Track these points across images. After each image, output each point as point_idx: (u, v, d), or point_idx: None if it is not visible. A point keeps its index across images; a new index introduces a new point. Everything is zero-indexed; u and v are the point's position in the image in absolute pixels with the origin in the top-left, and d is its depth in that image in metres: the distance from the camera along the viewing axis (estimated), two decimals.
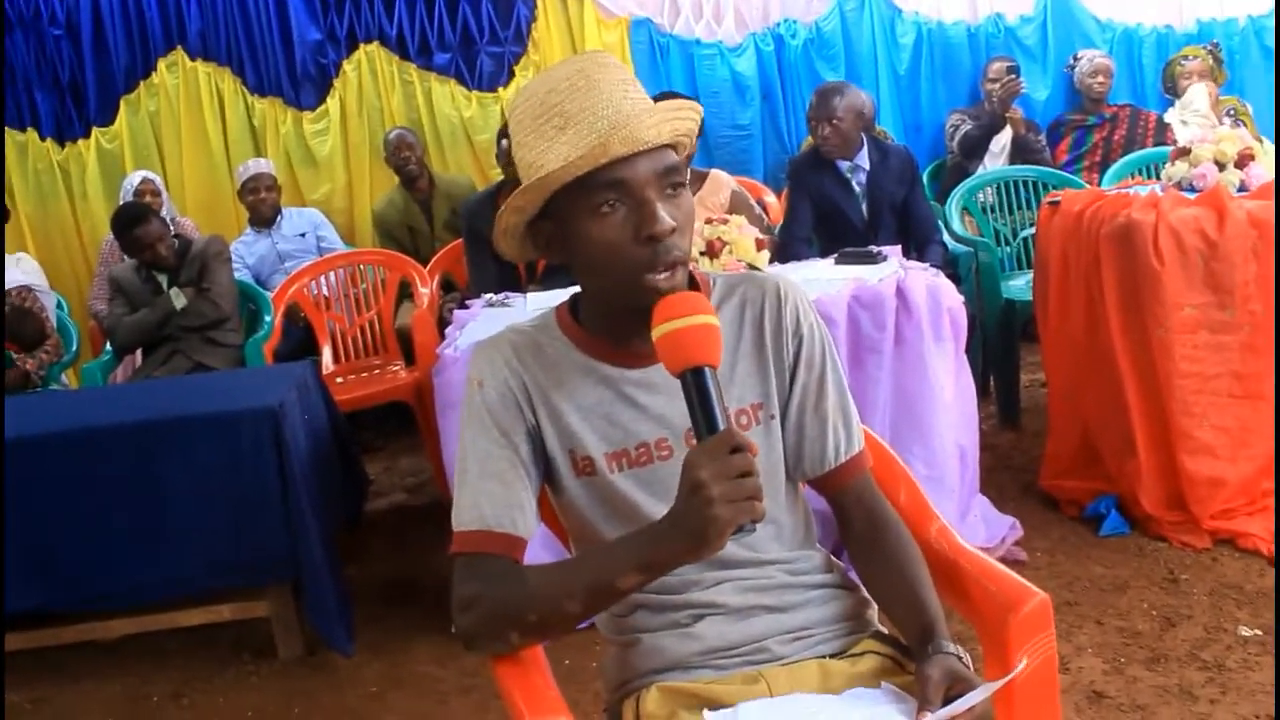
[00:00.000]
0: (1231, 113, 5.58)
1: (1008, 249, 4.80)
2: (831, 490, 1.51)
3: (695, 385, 1.22)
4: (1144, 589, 2.97)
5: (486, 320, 3.38)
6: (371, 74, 5.82)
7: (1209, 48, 5.83)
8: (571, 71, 1.29)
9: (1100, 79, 5.57)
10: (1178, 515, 3.20)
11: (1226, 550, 3.12)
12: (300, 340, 4.86)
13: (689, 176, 1.76)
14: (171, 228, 4.59)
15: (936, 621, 1.40)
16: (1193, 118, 5.50)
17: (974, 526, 3.25)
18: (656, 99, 1.35)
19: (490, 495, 1.39)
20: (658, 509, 1.37)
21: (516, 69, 5.86)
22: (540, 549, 1.82)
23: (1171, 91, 5.85)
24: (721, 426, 1.21)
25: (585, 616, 1.37)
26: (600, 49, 5.43)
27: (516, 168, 1.35)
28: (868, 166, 4.22)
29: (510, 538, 1.39)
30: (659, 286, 1.29)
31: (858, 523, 1.50)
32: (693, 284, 1.43)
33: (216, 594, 3.14)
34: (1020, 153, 5.31)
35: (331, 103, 5.84)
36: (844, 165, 4.22)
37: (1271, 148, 3.43)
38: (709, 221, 3.36)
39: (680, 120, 1.31)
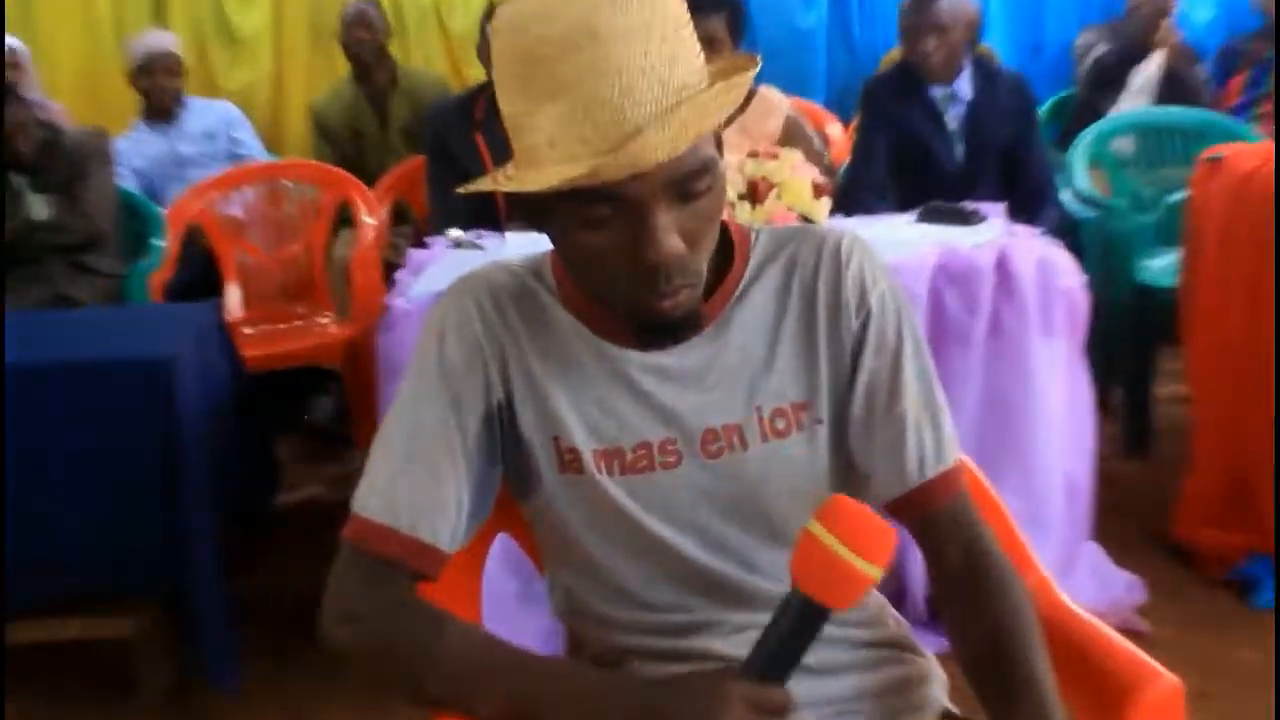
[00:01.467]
0: None
1: (1147, 217, 4.66)
2: (916, 516, 1.51)
3: (803, 621, 1.28)
4: None
5: (451, 264, 3.38)
6: None
7: None
8: (572, 19, 1.24)
9: None
10: None
11: None
12: (199, 275, 4.80)
13: None
14: (36, 114, 4.51)
15: (1049, 705, 1.38)
16: None
17: (1080, 582, 3.26)
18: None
19: (411, 484, 1.42)
20: (656, 525, 1.45)
21: None
22: (496, 566, 1.87)
23: None
24: (787, 676, 1.29)
25: None
26: None
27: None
28: (969, 96, 4.18)
29: (423, 547, 1.42)
30: (660, 310, 1.34)
31: (951, 559, 1.49)
32: (726, 239, 1.46)
33: (60, 603, 3.09)
34: (1173, 90, 5.27)
35: None
36: (938, 92, 4.17)
37: None
38: (753, 155, 3.35)
39: (712, 114, 1.30)
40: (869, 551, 1.25)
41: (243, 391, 3.58)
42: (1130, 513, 3.86)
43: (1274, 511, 3.19)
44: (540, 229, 1.39)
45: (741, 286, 1.49)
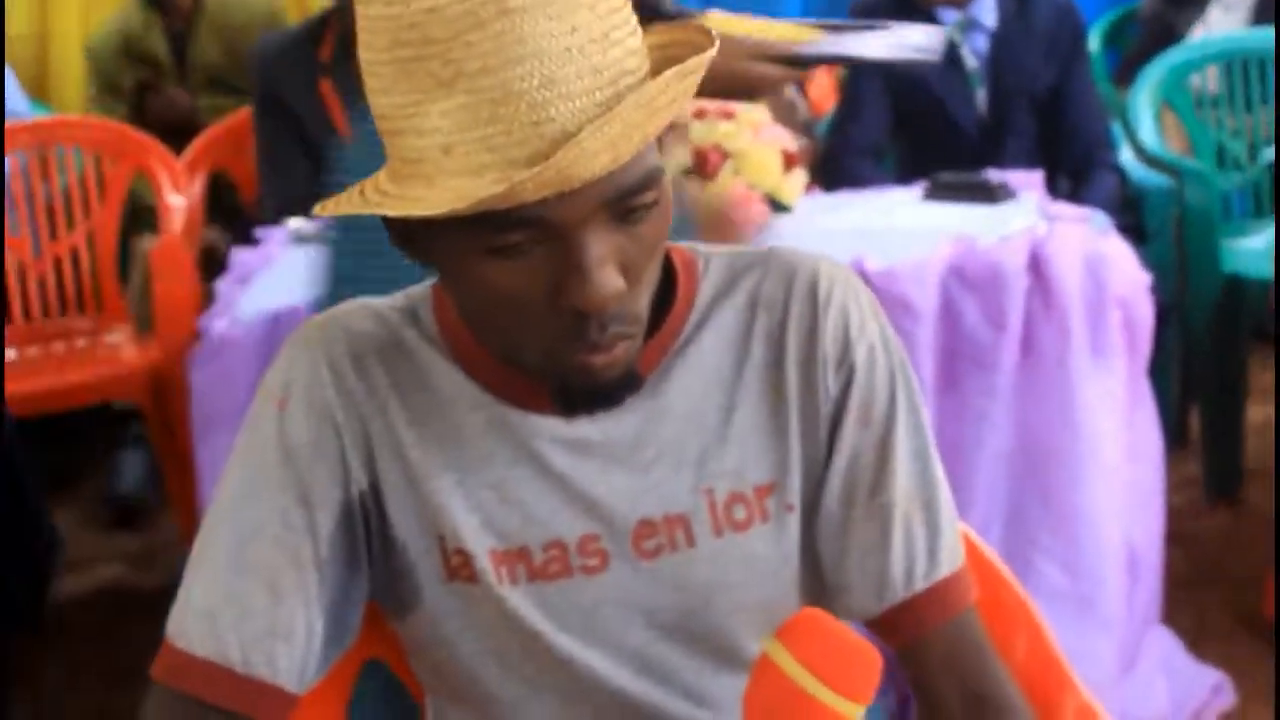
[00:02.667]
0: None
1: (1237, 176, 4.20)
2: (902, 640, 1.37)
3: None
4: None
5: (292, 269, 2.92)
6: None
7: None
8: None
9: None
10: None
11: None
12: None
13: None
14: None
15: None
16: None
17: (1147, 683, 2.96)
18: None
19: (243, 604, 1.26)
20: (576, 648, 1.32)
21: None
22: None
23: None
24: None
25: None
26: None
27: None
28: (992, 24, 3.74)
29: (260, 687, 1.25)
30: (589, 368, 1.22)
31: (945, 703, 1.36)
32: (665, 268, 1.32)
33: None
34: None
35: None
36: (950, 16, 3.72)
37: None
38: (700, 115, 3.02)
39: (669, 107, 1.15)
40: (846, 684, 1.26)
41: (3, 442, 3.21)
42: (1214, 583, 3.49)
43: (1275, 517, 3.10)
44: (422, 259, 1.25)
45: (686, 332, 1.34)
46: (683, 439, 1.33)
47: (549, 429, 1.31)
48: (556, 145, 1.09)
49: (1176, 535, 3.13)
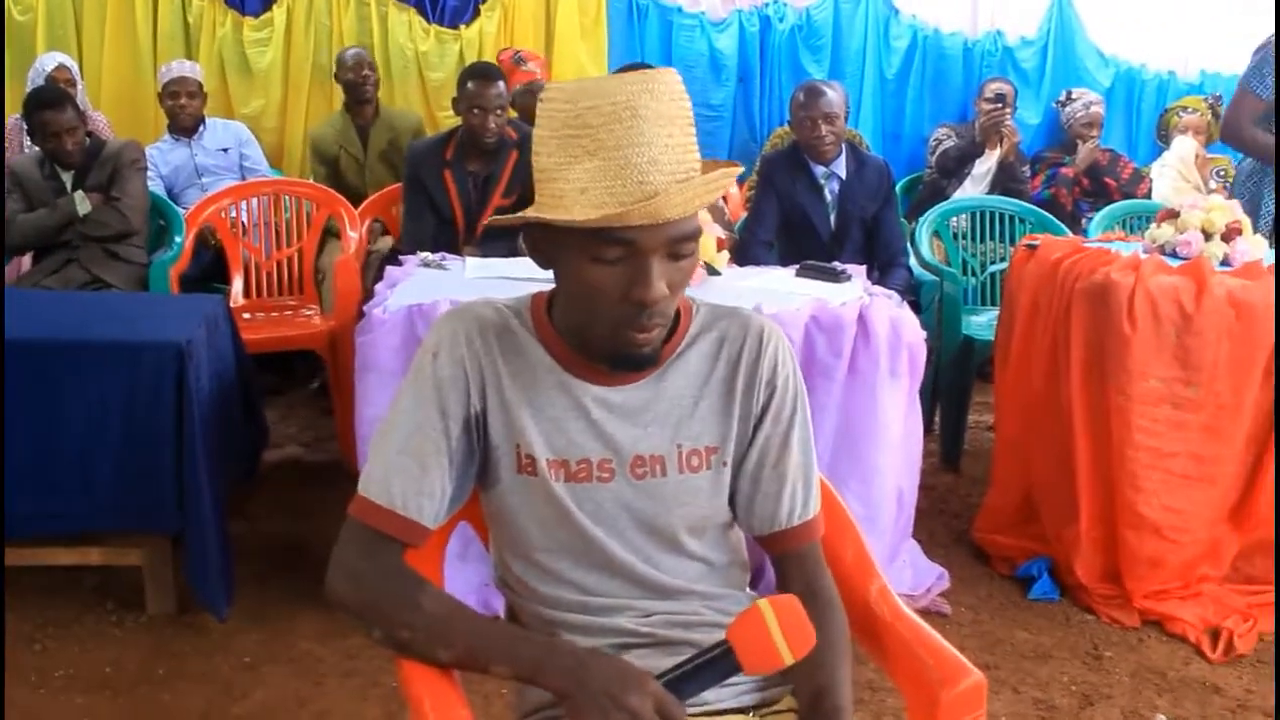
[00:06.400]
0: (1220, 174, 5.62)
1: (974, 280, 4.80)
2: (776, 551, 1.55)
3: (719, 668, 1.33)
4: (1066, 661, 3.02)
5: (421, 282, 3.35)
6: None
7: (1209, 101, 5.90)
8: (619, 98, 1.28)
9: (1094, 133, 5.61)
10: (1110, 589, 3.26)
11: (1154, 632, 3.17)
12: (208, 266, 4.79)
13: None
14: (84, 122, 4.41)
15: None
16: (1169, 171, 5.52)
17: (901, 572, 3.29)
18: (624, 69, 1.37)
19: (404, 474, 1.43)
20: (590, 525, 1.46)
21: (482, 8, 5.81)
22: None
23: (1164, 140, 5.91)
24: (686, 697, 1.32)
25: (451, 668, 1.43)
26: (658, 69, 5.23)
27: (532, 166, 1.38)
28: (843, 175, 4.21)
29: (412, 524, 1.43)
30: (636, 342, 1.37)
31: (794, 588, 1.52)
32: (677, 310, 1.48)
33: (87, 535, 3.05)
34: (1004, 180, 5.30)
35: (277, 12, 5.75)
36: (819, 170, 4.20)
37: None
38: None
39: (713, 193, 1.33)
40: (796, 646, 1.31)
41: (243, 369, 3.53)
42: (942, 516, 3.89)
43: (1275, 516, 3.17)
44: (546, 264, 1.40)
45: (682, 346, 1.50)
46: (669, 411, 1.47)
47: (592, 392, 1.47)
48: (650, 198, 1.25)
49: (922, 484, 3.40)
